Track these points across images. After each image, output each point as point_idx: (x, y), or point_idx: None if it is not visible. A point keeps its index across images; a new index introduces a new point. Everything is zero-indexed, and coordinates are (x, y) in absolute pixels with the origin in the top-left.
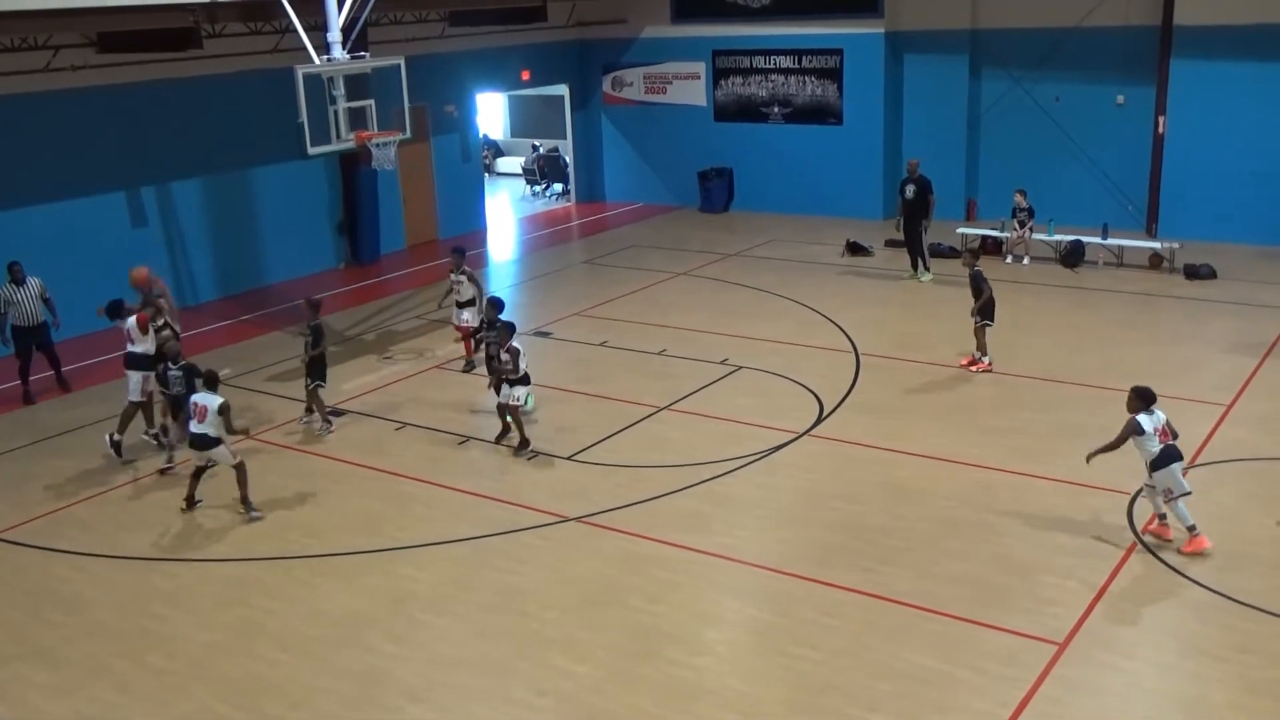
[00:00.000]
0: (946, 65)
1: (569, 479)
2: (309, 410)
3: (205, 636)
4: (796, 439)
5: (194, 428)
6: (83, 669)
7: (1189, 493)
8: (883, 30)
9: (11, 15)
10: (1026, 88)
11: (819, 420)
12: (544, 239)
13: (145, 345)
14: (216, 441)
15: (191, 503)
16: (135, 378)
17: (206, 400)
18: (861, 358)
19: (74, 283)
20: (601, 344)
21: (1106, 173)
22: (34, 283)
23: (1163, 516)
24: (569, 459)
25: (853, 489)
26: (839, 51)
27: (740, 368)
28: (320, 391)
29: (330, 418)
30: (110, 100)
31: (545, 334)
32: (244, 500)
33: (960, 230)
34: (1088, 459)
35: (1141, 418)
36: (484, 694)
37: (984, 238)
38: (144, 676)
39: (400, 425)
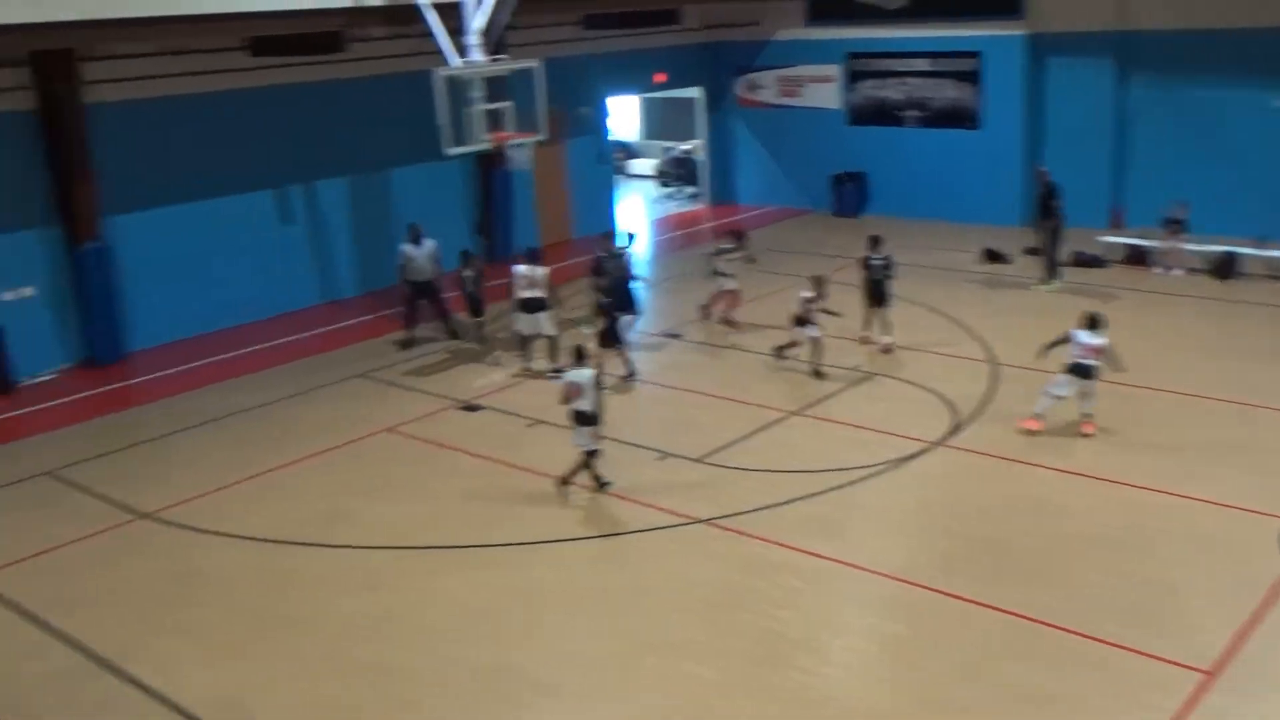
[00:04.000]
0: (1091, 68)
1: (699, 480)
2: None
3: (340, 621)
4: (930, 449)
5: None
6: (225, 647)
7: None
8: (1024, 32)
9: (173, 20)
10: (1177, 91)
11: (954, 430)
12: (676, 240)
13: (548, 292)
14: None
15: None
16: (544, 315)
17: (579, 376)
18: (999, 367)
19: (222, 277)
20: (729, 347)
21: (1263, 180)
22: (430, 244)
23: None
24: (698, 461)
25: (989, 502)
26: (977, 54)
27: (873, 375)
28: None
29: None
30: (261, 101)
31: (676, 335)
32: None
33: (1103, 239)
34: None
35: (1079, 332)
36: (609, 691)
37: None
38: (281, 657)
39: (532, 422)
